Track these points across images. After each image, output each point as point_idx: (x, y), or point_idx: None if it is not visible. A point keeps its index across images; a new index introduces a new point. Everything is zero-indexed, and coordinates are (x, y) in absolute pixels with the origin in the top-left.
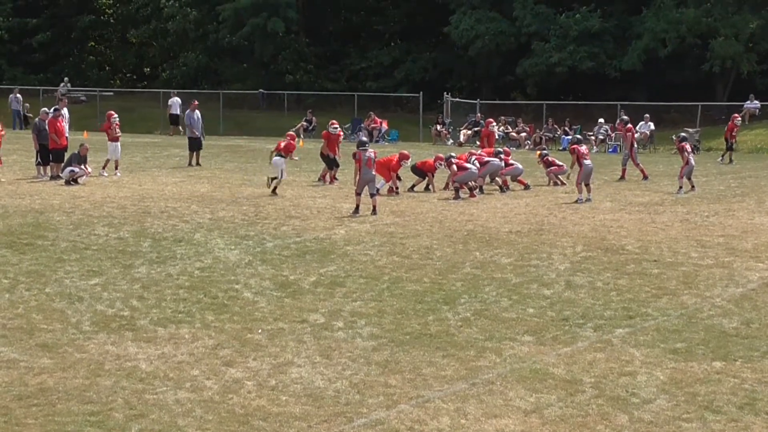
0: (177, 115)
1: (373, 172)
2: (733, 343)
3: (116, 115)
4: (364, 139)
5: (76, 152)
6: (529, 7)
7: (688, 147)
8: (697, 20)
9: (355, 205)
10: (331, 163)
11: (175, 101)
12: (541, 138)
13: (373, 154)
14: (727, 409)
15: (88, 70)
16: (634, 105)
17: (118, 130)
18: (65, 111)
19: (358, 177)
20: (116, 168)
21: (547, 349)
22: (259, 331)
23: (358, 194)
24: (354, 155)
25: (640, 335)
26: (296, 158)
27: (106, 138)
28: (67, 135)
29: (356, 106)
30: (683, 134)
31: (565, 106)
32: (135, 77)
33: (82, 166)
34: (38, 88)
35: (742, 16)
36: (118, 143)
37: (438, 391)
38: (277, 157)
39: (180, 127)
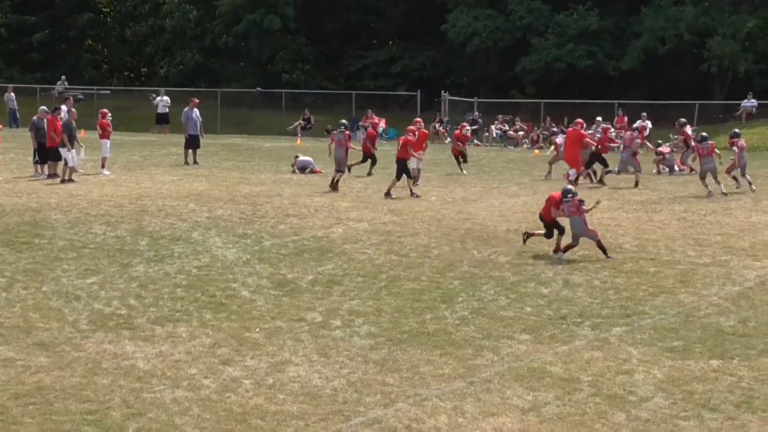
0: (166, 114)
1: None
2: (730, 341)
3: (110, 114)
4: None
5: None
6: (525, 3)
7: (740, 143)
8: (695, 18)
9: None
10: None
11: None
12: (538, 136)
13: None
14: (724, 407)
15: (84, 69)
16: (632, 104)
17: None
18: (64, 108)
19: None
20: (103, 166)
21: (545, 347)
22: (257, 329)
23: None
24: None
25: (637, 333)
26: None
27: (99, 136)
28: None
29: (354, 105)
30: (736, 130)
31: (563, 104)
32: (132, 76)
33: (73, 152)
34: (35, 86)
35: (740, 15)
36: (109, 141)
37: (435, 389)
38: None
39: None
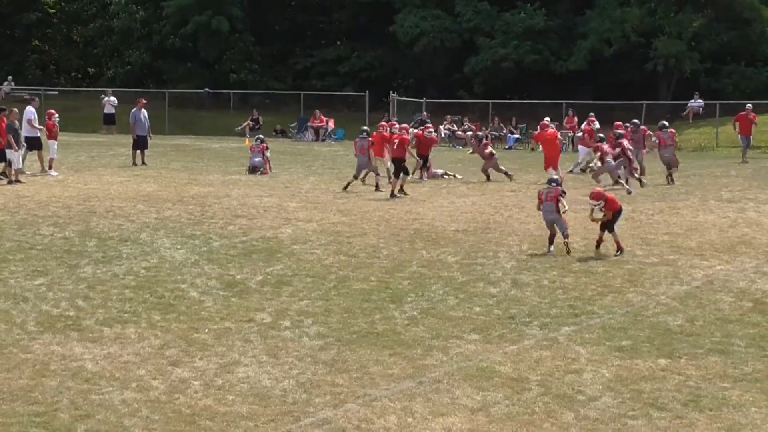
0: (112, 114)
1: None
2: (677, 340)
3: (57, 115)
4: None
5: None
6: (472, 4)
7: (624, 143)
8: (641, 19)
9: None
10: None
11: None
12: (487, 137)
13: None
14: (672, 406)
15: (30, 69)
16: (580, 104)
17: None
18: (32, 109)
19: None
20: (50, 167)
21: (494, 347)
22: (206, 330)
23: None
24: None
25: (585, 333)
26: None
27: (46, 137)
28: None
29: (302, 105)
30: (620, 131)
31: (511, 104)
32: (79, 76)
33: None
34: None
35: (685, 15)
36: (56, 142)
37: (385, 389)
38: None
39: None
